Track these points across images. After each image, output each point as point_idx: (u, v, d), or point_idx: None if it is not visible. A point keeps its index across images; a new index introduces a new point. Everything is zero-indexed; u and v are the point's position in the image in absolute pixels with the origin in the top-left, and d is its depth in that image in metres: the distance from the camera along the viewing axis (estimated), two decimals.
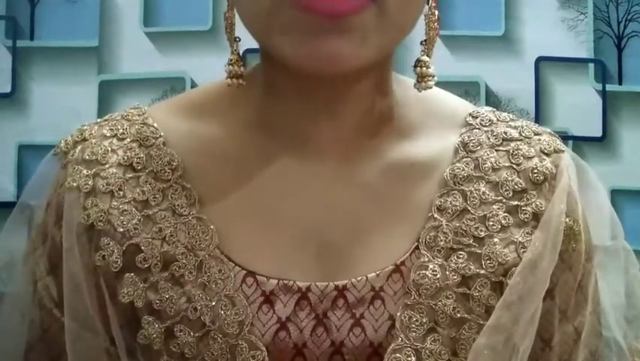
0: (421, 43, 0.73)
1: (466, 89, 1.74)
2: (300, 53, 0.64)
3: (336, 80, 0.69)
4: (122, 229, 0.70)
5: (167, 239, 0.70)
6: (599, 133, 1.76)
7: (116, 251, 0.70)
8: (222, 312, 0.68)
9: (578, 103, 1.76)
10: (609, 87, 1.77)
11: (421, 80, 0.72)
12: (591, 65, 1.77)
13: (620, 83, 1.77)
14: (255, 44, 0.71)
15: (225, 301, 0.68)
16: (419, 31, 0.72)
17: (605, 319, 0.78)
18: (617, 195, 1.71)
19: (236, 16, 0.70)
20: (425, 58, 0.72)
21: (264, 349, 0.67)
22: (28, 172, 1.75)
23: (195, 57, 1.77)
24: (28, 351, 0.74)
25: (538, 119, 1.75)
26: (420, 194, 0.72)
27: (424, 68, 0.71)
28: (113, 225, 0.71)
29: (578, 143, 1.74)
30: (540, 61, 1.77)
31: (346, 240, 0.70)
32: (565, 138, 1.65)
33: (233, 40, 0.71)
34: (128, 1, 1.80)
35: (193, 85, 1.77)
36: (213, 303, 0.68)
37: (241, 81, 0.71)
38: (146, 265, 0.70)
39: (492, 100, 1.76)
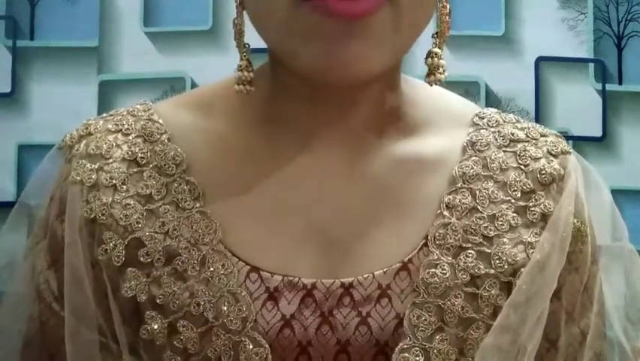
0: (433, 36, 0.72)
1: (466, 89, 1.74)
2: (321, 62, 0.64)
3: (352, 85, 0.69)
4: (124, 223, 0.70)
5: (170, 233, 0.70)
6: (599, 133, 1.76)
7: (118, 245, 0.70)
8: (225, 308, 0.68)
9: (578, 103, 1.76)
10: (609, 87, 1.77)
11: (433, 71, 0.71)
12: (591, 65, 1.77)
13: (620, 83, 1.78)
14: (260, 44, 0.71)
15: (228, 297, 0.68)
16: (425, 30, 0.72)
17: (609, 319, 0.78)
18: (617, 195, 1.68)
19: (245, 22, 0.71)
20: (437, 50, 0.72)
21: (267, 346, 0.67)
22: (28, 172, 1.75)
23: (195, 57, 1.77)
24: (26, 346, 0.74)
25: (538, 119, 1.75)
26: (427, 190, 0.72)
27: (436, 59, 0.71)
28: (115, 219, 0.70)
29: (578, 143, 1.74)
30: (540, 61, 1.77)
31: (353, 236, 0.70)
32: (565, 138, 1.66)
33: (243, 46, 0.71)
34: (128, 1, 1.80)
35: (193, 85, 1.77)
36: (216, 298, 0.68)
37: (249, 87, 0.71)
38: (148, 260, 0.69)
39: (492, 100, 1.76)
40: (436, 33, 0.72)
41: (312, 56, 0.64)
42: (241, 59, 0.71)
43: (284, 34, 0.66)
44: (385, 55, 0.65)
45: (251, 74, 0.71)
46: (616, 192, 1.68)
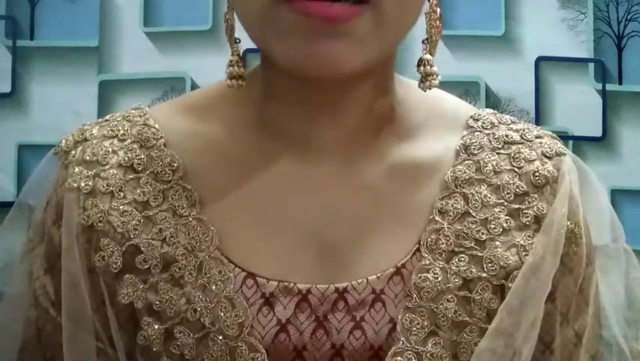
0: (423, 42, 0.72)
1: (466, 89, 1.74)
2: (298, 58, 0.64)
3: (333, 82, 0.69)
4: (121, 230, 0.70)
5: (167, 240, 0.70)
6: (599, 133, 1.76)
7: (115, 252, 0.70)
8: (222, 314, 0.68)
9: (578, 103, 1.76)
10: (609, 87, 1.77)
11: (425, 79, 0.71)
12: (591, 65, 1.77)
13: (620, 83, 1.78)
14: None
15: (225, 303, 0.68)
16: (421, 31, 0.72)
17: (606, 320, 0.78)
18: (617, 195, 1.71)
19: (236, 18, 0.70)
20: (428, 56, 0.71)
21: (263, 351, 0.67)
22: (28, 172, 1.75)
23: (195, 57, 1.77)
24: (23, 350, 0.74)
25: (538, 119, 1.75)
26: (421, 196, 0.72)
27: (428, 67, 0.71)
28: (112, 225, 0.71)
29: (578, 143, 1.74)
30: (540, 61, 1.77)
31: (347, 241, 0.70)
32: (565, 137, 1.66)
33: (234, 41, 0.71)
34: (128, 1, 1.80)
35: (193, 85, 1.77)
36: (213, 304, 0.68)
37: (241, 82, 0.71)
38: (145, 266, 0.70)
39: (492, 100, 1.76)
40: (427, 39, 0.72)
41: (289, 51, 0.64)
42: (232, 54, 0.71)
43: (262, 30, 0.65)
44: (367, 54, 0.65)
45: (242, 69, 0.71)
46: (616, 192, 1.70)
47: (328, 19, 0.62)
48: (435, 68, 0.71)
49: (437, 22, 0.71)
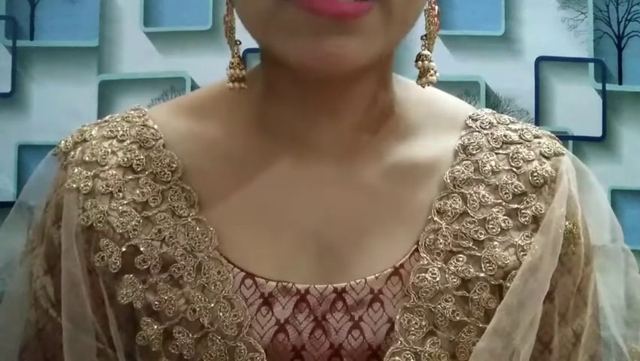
0: (422, 38, 0.72)
1: (466, 89, 1.74)
2: (304, 54, 0.63)
3: (337, 80, 0.69)
4: (121, 230, 0.71)
5: (166, 240, 0.70)
6: (599, 133, 1.76)
7: (115, 252, 0.70)
8: (221, 314, 0.68)
9: (578, 103, 1.76)
10: (609, 87, 1.77)
11: (424, 74, 0.71)
12: (591, 65, 1.77)
13: (620, 83, 1.77)
14: (255, 44, 0.71)
15: (224, 303, 0.68)
16: (419, 30, 0.72)
17: (605, 320, 0.78)
18: (617, 195, 1.71)
19: (236, 19, 0.70)
20: (426, 52, 0.71)
21: (262, 351, 0.68)
22: (28, 172, 1.75)
23: (195, 57, 1.77)
24: (23, 350, 0.74)
25: (538, 119, 1.75)
26: (419, 196, 0.73)
27: (426, 62, 0.71)
28: (112, 226, 0.71)
29: (578, 143, 1.74)
30: (540, 61, 1.77)
31: (346, 242, 0.70)
32: (565, 138, 1.66)
33: (234, 43, 0.71)
34: (128, 1, 1.80)
35: (193, 85, 1.77)
36: (212, 305, 0.68)
37: (243, 85, 0.71)
38: (145, 267, 0.70)
39: (492, 100, 1.76)
40: (425, 35, 0.72)
41: (297, 50, 0.64)
42: (232, 56, 0.71)
43: (268, 30, 0.65)
44: (373, 50, 0.65)
45: (243, 72, 0.71)
46: (616, 192, 1.70)
47: (337, 16, 0.62)
48: (433, 64, 0.71)
49: (435, 19, 0.72)
